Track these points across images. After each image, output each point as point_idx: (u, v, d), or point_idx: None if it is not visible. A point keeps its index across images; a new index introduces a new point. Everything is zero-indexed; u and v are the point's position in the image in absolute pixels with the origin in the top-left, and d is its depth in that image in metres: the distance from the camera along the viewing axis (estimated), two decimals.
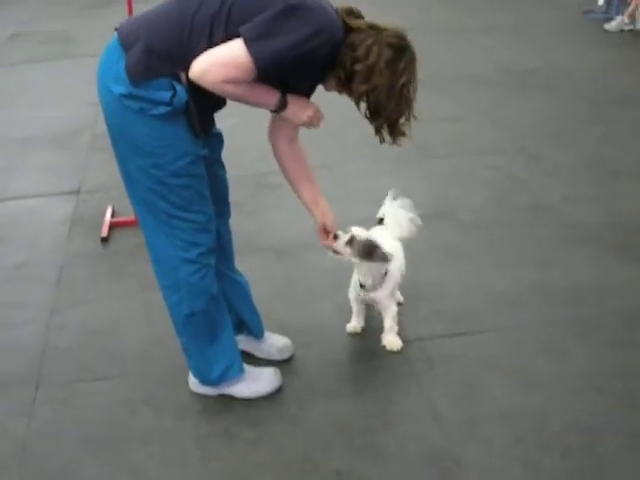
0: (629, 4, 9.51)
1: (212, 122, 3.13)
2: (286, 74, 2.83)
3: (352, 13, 2.92)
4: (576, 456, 2.98)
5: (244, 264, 3.62)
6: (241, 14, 2.73)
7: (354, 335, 3.74)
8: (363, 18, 2.94)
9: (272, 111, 2.96)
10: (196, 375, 3.38)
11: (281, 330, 3.71)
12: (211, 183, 3.10)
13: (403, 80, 2.89)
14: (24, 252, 4.74)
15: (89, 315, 4.05)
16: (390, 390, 3.39)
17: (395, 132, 2.98)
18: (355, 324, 3.78)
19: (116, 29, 2.92)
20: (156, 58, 2.76)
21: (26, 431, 3.24)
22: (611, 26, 9.41)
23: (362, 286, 3.61)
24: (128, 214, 4.97)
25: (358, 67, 2.84)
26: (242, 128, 6.08)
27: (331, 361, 3.60)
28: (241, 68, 2.69)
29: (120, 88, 2.79)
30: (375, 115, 2.95)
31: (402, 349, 3.62)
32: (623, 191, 5.22)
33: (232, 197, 3.35)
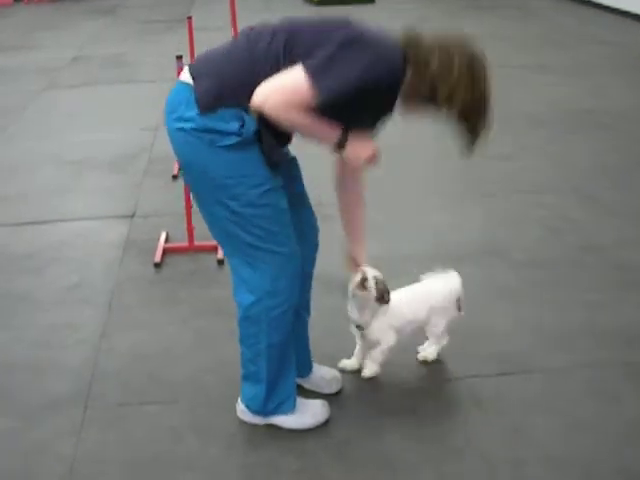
0: None
1: (284, 154, 3.17)
2: (351, 107, 2.85)
3: (411, 39, 2.95)
4: None
5: None
6: (303, 47, 2.79)
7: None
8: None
9: (333, 148, 2.97)
10: (250, 404, 3.38)
11: (330, 363, 3.71)
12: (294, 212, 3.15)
13: (483, 86, 2.91)
14: (77, 274, 4.81)
15: (139, 339, 4.10)
16: (437, 428, 3.38)
17: (476, 141, 2.98)
18: (352, 361, 3.75)
19: (187, 65, 2.99)
20: (225, 88, 2.84)
21: (74, 452, 3.27)
22: None
23: (358, 326, 3.58)
24: (182, 240, 5.04)
25: (439, 83, 2.85)
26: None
27: (379, 395, 3.60)
28: (302, 94, 2.73)
29: (190, 123, 2.85)
30: (463, 128, 2.97)
31: (450, 387, 3.62)
32: None
33: None
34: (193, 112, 2.86)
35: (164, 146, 6.39)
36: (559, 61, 9.94)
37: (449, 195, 5.69)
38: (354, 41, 2.77)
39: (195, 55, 4.92)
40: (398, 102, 2.98)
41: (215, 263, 4.85)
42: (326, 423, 3.39)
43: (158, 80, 8.80)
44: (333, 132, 2.90)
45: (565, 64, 9.79)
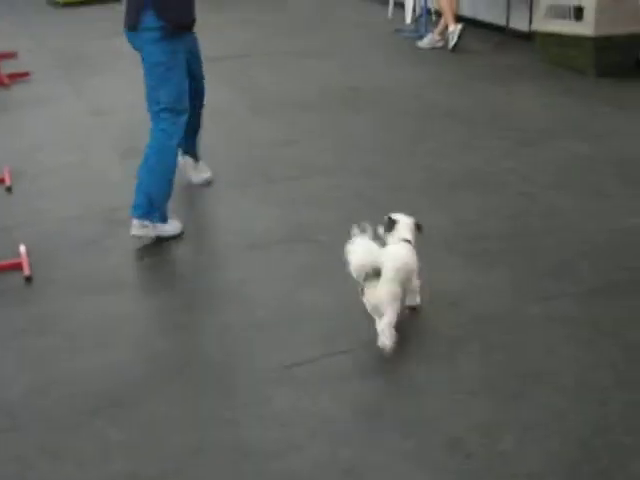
0: (437, 22, 9.97)
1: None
2: None
3: None
4: None
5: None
6: None
7: None
8: None
9: None
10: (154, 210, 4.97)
11: None
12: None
13: None
14: None
15: None
16: None
17: None
18: None
19: None
20: None
21: None
22: (423, 43, 9.82)
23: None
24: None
25: None
26: (81, 164, 6.08)
27: None
28: None
29: None
30: None
31: None
32: (458, 200, 5.56)
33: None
34: None
35: None
36: (318, 45, 10.24)
37: (238, 184, 5.83)
38: None
39: None
40: None
41: (22, 280, 4.69)
42: None
43: None
44: None
45: (325, 47, 10.10)
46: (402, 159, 6.33)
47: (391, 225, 4.21)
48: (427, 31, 9.99)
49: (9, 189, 5.94)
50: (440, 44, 9.73)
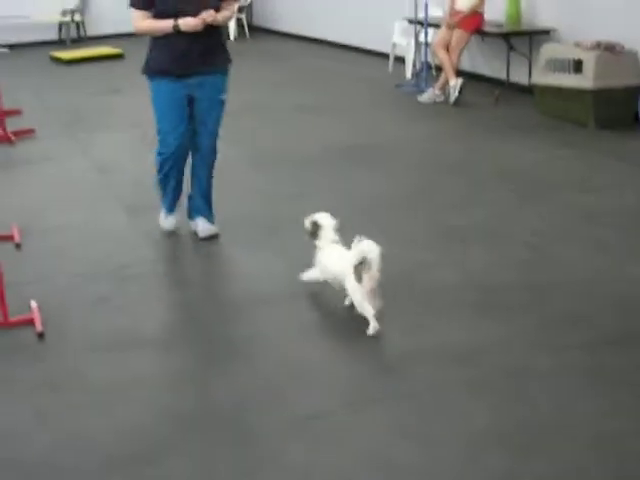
0: (438, 76, 10.09)
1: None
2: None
3: None
4: None
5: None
6: None
7: None
8: None
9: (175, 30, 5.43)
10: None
11: None
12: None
13: None
14: None
15: None
16: None
17: None
18: None
19: None
20: None
21: None
22: (424, 98, 9.93)
23: None
24: None
25: None
26: (88, 221, 6.12)
27: None
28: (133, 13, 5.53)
29: None
30: None
31: None
32: (466, 253, 5.61)
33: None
34: None
35: None
36: (320, 100, 10.36)
37: (247, 238, 5.87)
38: None
39: None
40: None
41: (34, 337, 4.70)
42: None
43: None
44: (168, 23, 5.42)
45: (326, 102, 10.22)
46: (408, 213, 6.38)
47: (316, 229, 4.76)
48: (428, 86, 10.11)
49: (18, 246, 5.96)
50: (441, 98, 9.85)
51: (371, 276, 4.44)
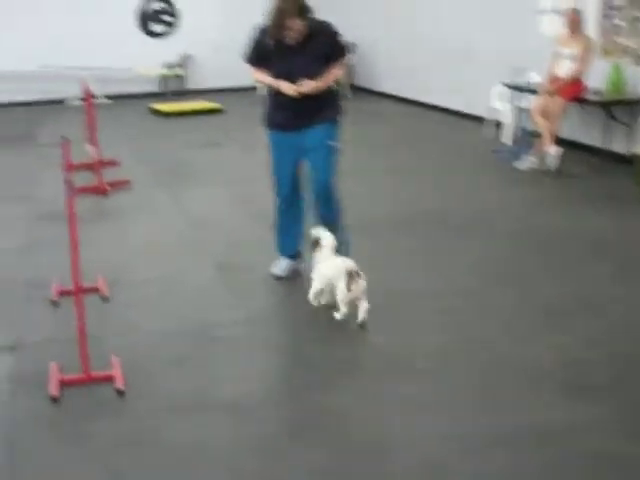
0: (536, 143, 9.92)
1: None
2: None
3: None
4: None
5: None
6: None
7: None
8: None
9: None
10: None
11: None
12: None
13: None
14: None
15: None
16: None
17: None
18: None
19: None
20: None
21: None
22: (521, 165, 9.76)
23: None
24: (70, 370, 4.80)
25: None
26: (177, 276, 6.09)
27: None
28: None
29: None
30: None
31: None
32: (557, 327, 5.41)
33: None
34: None
35: (38, 270, 6.26)
36: (413, 163, 10.30)
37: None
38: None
39: None
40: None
41: (114, 393, 4.65)
42: None
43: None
44: (272, 82, 5.94)
45: (419, 165, 10.15)
46: (498, 281, 6.22)
47: (316, 243, 5.52)
48: (525, 152, 9.94)
49: (105, 299, 5.97)
50: (538, 166, 9.66)
51: (358, 285, 5.27)
